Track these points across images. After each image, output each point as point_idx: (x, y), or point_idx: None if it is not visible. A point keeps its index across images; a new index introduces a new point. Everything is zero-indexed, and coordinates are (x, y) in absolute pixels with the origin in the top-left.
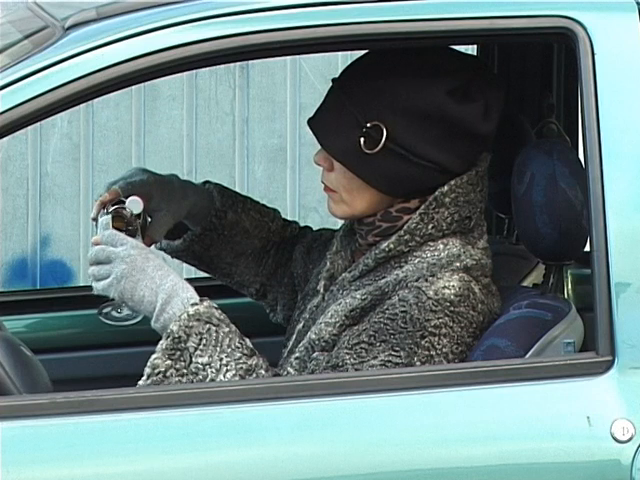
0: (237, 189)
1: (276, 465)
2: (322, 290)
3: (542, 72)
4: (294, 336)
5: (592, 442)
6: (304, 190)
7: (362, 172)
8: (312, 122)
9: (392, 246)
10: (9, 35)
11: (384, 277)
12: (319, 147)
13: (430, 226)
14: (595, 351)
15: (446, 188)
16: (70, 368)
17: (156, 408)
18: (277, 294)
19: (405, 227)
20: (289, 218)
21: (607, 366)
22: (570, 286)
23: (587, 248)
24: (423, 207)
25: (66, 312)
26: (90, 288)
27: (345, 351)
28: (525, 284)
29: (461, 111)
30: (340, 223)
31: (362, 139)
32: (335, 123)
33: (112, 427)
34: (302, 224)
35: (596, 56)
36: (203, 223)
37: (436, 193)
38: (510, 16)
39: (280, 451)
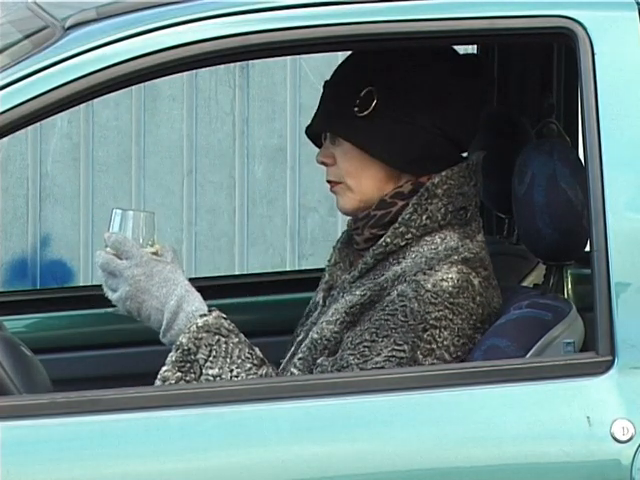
0: (237, 189)
1: (276, 465)
2: (321, 301)
3: (542, 72)
4: (294, 346)
5: (592, 442)
6: (304, 190)
7: (359, 138)
8: (308, 127)
9: (389, 240)
10: (9, 35)
11: (383, 274)
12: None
13: (424, 217)
14: (595, 351)
15: (437, 179)
16: (70, 368)
17: (156, 408)
18: None
19: (400, 218)
20: (289, 218)
21: (607, 366)
22: (570, 286)
23: (587, 248)
24: (415, 198)
25: (66, 312)
26: (90, 288)
27: (349, 352)
28: (525, 284)
29: (450, 69)
30: (340, 224)
31: (356, 108)
32: (330, 106)
33: (112, 427)
34: (302, 224)
35: (596, 56)
36: None
37: (427, 183)
38: (510, 16)
39: (280, 451)
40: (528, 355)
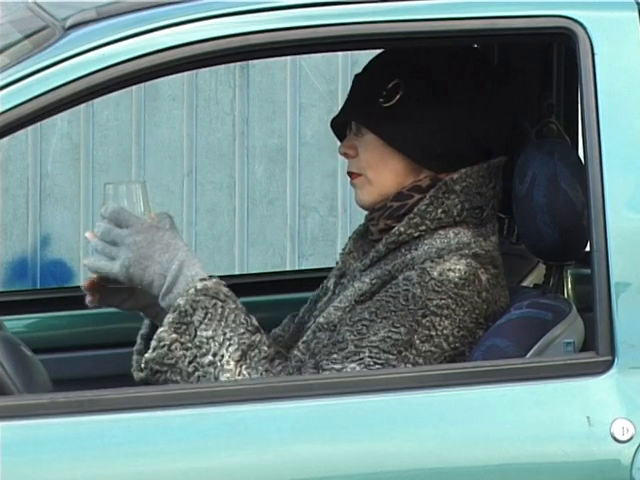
0: (237, 189)
1: (276, 465)
2: (332, 287)
3: (542, 72)
4: (304, 331)
5: (592, 442)
6: (304, 190)
7: (380, 127)
8: (334, 119)
9: (402, 229)
10: (9, 35)
11: (393, 263)
12: (319, 147)
13: (440, 210)
14: (595, 351)
15: (456, 176)
16: (70, 368)
17: (156, 408)
18: None
19: (415, 209)
20: (289, 218)
21: (607, 366)
22: (570, 286)
23: (587, 248)
24: (433, 191)
25: (66, 312)
26: None
27: (346, 328)
28: (525, 284)
29: (481, 73)
30: (340, 224)
31: (382, 99)
32: (357, 97)
33: (112, 427)
34: (302, 224)
35: (596, 56)
36: None
37: (446, 178)
38: (510, 16)
39: (280, 451)
40: (528, 355)
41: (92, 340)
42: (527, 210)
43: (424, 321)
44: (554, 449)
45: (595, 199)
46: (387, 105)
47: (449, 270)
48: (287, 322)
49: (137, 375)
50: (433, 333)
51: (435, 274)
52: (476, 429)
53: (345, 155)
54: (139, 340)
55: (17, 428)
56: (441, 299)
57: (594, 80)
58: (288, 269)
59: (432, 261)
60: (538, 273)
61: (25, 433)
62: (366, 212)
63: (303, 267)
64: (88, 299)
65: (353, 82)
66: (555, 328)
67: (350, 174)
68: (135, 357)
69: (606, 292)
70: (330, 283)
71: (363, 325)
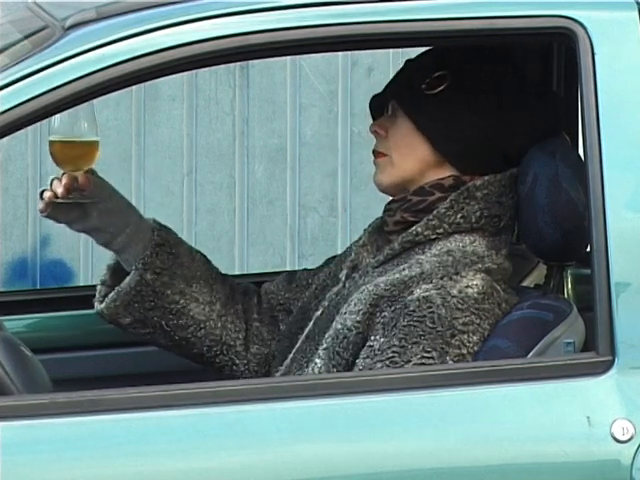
0: (237, 189)
1: (277, 465)
2: (343, 278)
3: (542, 72)
4: (311, 322)
5: (592, 442)
6: (304, 190)
7: (414, 109)
8: (374, 97)
9: (420, 230)
10: (9, 35)
11: (407, 262)
12: (319, 147)
13: (459, 215)
14: (595, 351)
15: (479, 182)
16: (70, 368)
17: (157, 408)
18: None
19: (435, 212)
20: (289, 218)
21: (607, 366)
22: (570, 286)
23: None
24: (454, 195)
25: (66, 312)
26: (90, 288)
27: (377, 359)
28: (525, 284)
29: (522, 87)
30: (340, 224)
31: (424, 86)
32: (402, 79)
33: (113, 427)
34: (302, 224)
35: (596, 56)
36: (147, 242)
37: (469, 184)
38: (510, 16)
39: (280, 451)
40: (529, 356)
41: (92, 340)
42: (528, 210)
43: (453, 341)
44: (554, 449)
45: (595, 199)
46: (428, 93)
47: (467, 287)
48: (282, 281)
49: (97, 306)
50: (464, 351)
51: (455, 292)
52: (476, 429)
53: (375, 134)
54: (105, 271)
55: (17, 428)
56: (465, 316)
57: (594, 80)
58: (288, 269)
59: (450, 278)
60: (538, 273)
61: (25, 433)
62: (365, 213)
63: (303, 267)
64: (40, 206)
65: (403, 65)
66: (556, 329)
67: (375, 153)
68: (99, 287)
69: (606, 292)
70: (342, 274)
71: (394, 352)
